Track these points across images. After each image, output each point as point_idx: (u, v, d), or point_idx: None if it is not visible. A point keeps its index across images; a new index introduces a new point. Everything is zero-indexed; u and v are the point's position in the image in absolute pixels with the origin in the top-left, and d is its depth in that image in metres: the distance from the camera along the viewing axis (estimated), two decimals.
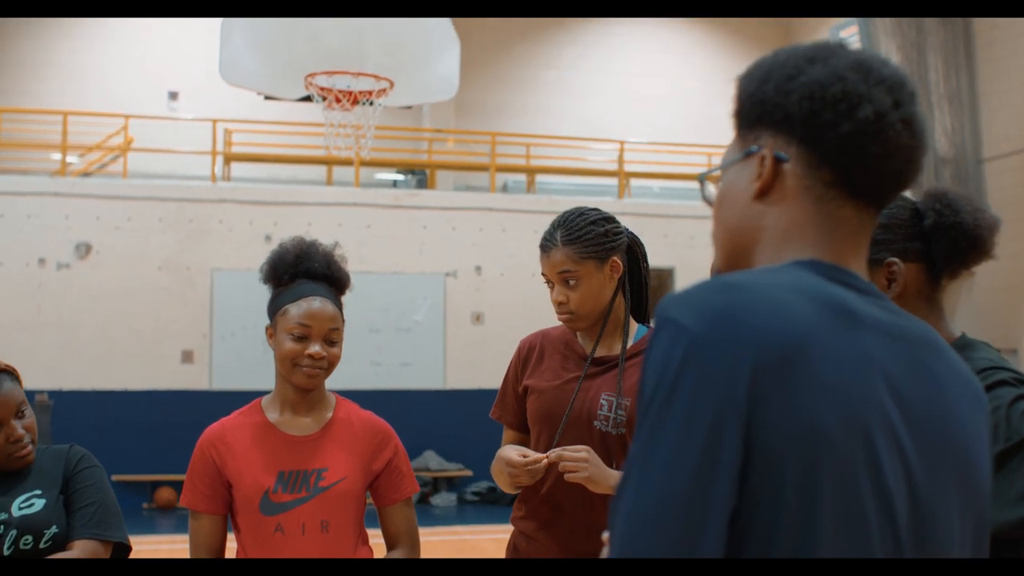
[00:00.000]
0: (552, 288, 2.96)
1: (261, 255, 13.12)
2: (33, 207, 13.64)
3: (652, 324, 1.26)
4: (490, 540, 10.82)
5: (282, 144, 16.42)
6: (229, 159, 15.90)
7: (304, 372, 2.77)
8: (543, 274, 2.98)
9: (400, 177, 17.79)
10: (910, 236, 2.19)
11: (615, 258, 2.96)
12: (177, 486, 13.40)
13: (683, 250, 15.41)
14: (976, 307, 16.81)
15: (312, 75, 7.73)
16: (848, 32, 18.03)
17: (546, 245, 2.95)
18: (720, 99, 19.78)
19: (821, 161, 1.36)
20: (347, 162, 15.42)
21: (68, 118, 15.04)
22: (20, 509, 2.85)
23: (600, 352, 3.01)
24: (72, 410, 12.96)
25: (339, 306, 2.87)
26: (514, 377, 3.13)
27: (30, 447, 2.95)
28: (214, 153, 15.21)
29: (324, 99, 7.89)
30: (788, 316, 1.22)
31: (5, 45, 17.35)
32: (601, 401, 2.93)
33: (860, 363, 1.25)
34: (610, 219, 3.00)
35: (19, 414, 2.94)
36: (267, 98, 12.77)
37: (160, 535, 11.78)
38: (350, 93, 7.86)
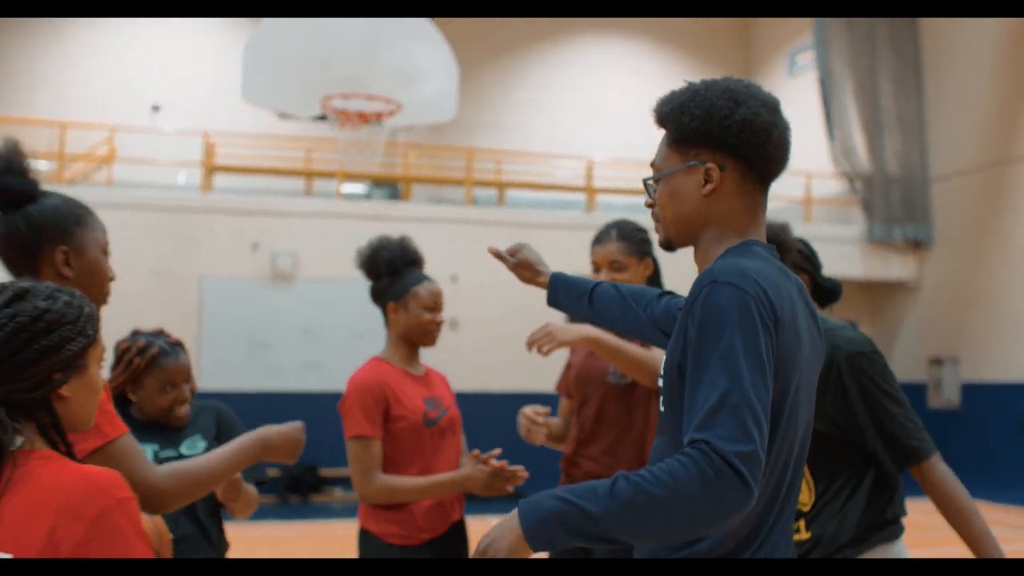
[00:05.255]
0: (599, 272, 3.77)
1: (248, 262, 13.88)
2: None
3: (704, 284, 1.97)
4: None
5: (261, 156, 16.97)
6: (212, 170, 16.42)
7: (434, 336, 3.81)
8: (594, 261, 3.80)
9: (362, 189, 18.39)
10: None
11: (648, 259, 3.83)
12: None
13: None
14: (925, 318, 17.71)
15: (329, 96, 8.41)
16: (805, 58, 18.90)
17: (602, 238, 3.80)
18: None
19: (750, 168, 2.12)
20: (328, 175, 16.01)
21: (58, 129, 15.52)
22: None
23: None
24: None
25: None
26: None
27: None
28: (204, 165, 15.75)
29: (337, 119, 8.57)
30: (779, 285, 2.01)
31: None
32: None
33: (803, 313, 2.08)
34: (646, 231, 3.81)
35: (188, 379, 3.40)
36: (282, 116, 13.42)
37: None
38: (362, 114, 8.55)
